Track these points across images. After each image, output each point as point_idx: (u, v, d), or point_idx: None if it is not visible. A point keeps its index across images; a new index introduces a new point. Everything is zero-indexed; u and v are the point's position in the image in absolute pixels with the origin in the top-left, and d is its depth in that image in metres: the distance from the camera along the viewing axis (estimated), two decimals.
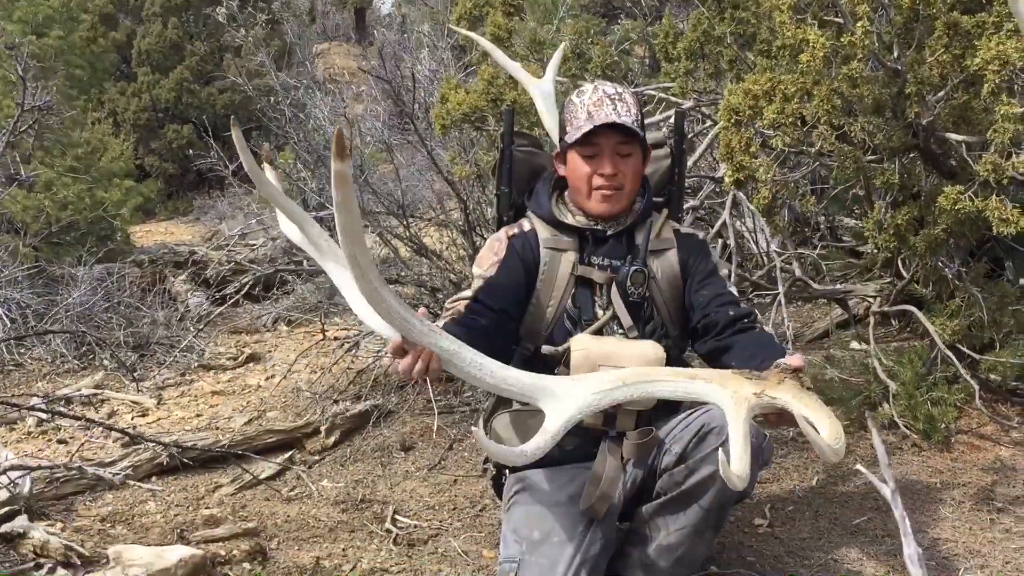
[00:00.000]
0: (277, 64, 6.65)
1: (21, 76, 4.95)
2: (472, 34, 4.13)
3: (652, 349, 2.69)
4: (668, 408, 2.82)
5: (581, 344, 2.71)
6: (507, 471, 2.97)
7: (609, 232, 2.87)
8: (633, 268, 2.78)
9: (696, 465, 2.67)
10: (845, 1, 3.41)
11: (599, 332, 2.80)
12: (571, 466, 2.85)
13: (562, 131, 2.88)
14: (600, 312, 2.83)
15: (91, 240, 7.44)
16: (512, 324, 2.84)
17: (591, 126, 2.74)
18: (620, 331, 2.81)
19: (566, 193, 2.95)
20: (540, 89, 3.52)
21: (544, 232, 2.89)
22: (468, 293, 2.83)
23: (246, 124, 11.08)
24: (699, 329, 2.83)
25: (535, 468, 2.86)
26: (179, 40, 15.12)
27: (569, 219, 2.89)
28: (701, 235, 3.03)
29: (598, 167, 2.79)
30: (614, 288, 2.80)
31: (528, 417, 2.84)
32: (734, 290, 2.95)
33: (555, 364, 2.77)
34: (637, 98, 2.87)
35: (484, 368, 2.22)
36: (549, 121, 3.39)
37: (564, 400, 2.17)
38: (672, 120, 3.31)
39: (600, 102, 2.77)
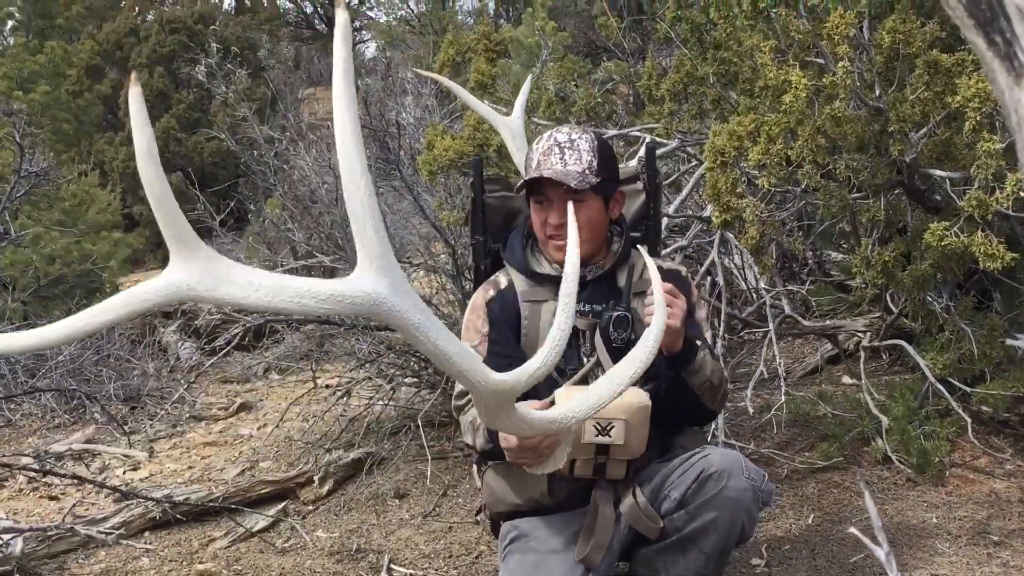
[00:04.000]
0: (262, 113, 6.67)
1: (19, 143, 4.96)
2: (440, 77, 4.04)
3: (636, 397, 2.63)
4: (658, 454, 2.81)
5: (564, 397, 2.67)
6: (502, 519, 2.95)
7: (588, 277, 2.82)
8: (616, 314, 2.73)
9: (696, 511, 2.65)
10: (825, 42, 3.44)
11: (584, 380, 2.76)
12: (565, 513, 2.83)
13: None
14: (584, 360, 2.79)
15: (80, 293, 7.44)
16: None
17: (531, 177, 2.72)
18: None
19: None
20: (509, 127, 3.49)
21: (521, 284, 2.85)
22: None
23: (233, 173, 11.11)
24: None
25: (530, 516, 2.84)
26: (165, 89, 15.18)
27: (545, 267, 2.85)
28: (683, 271, 2.98)
29: (548, 215, 2.76)
30: (597, 335, 2.76)
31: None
32: (709, 335, 2.93)
33: None
34: (594, 143, 2.79)
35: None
36: (519, 159, 3.36)
37: None
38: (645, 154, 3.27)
39: (549, 151, 2.74)
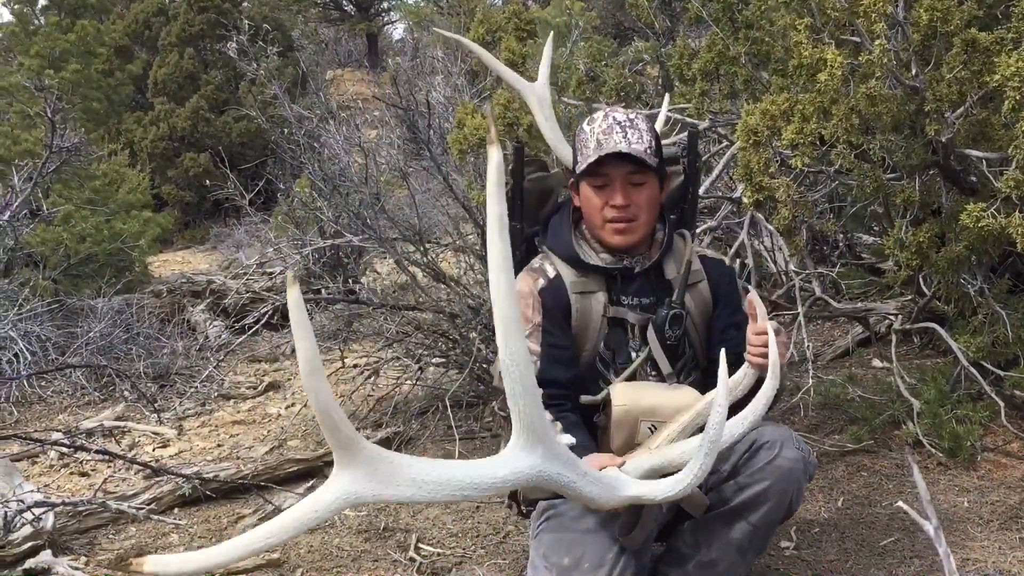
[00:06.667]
0: (291, 92, 6.66)
1: (50, 118, 4.98)
2: (461, 38, 3.94)
3: (692, 398, 2.62)
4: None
5: (622, 398, 2.64)
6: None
7: (637, 270, 2.79)
8: (672, 312, 2.71)
9: (747, 481, 2.62)
10: (862, 20, 3.39)
11: (632, 376, 2.74)
12: None
13: (574, 160, 2.78)
14: (634, 354, 2.76)
15: (109, 272, 7.48)
16: (582, 378, 2.78)
17: (598, 156, 2.64)
18: (654, 373, 2.75)
19: (584, 226, 2.86)
20: (536, 94, 3.42)
21: (569, 275, 2.79)
22: None
23: (261, 153, 11.13)
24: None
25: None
26: (194, 69, 15.23)
27: (593, 259, 2.79)
28: (727, 261, 2.98)
29: (609, 198, 2.70)
30: (650, 331, 2.73)
31: None
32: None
33: (593, 413, 2.73)
34: (651, 123, 2.77)
35: None
36: (548, 129, 3.29)
37: None
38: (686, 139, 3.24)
39: (609, 130, 2.66)
